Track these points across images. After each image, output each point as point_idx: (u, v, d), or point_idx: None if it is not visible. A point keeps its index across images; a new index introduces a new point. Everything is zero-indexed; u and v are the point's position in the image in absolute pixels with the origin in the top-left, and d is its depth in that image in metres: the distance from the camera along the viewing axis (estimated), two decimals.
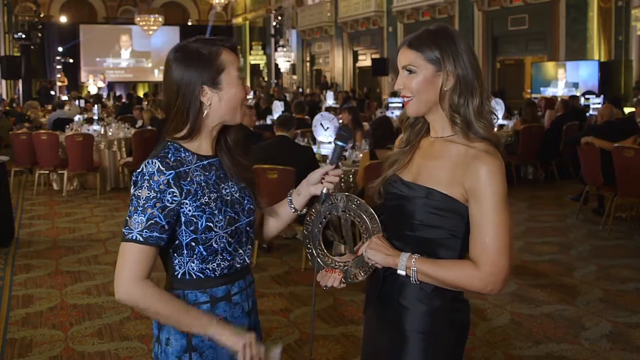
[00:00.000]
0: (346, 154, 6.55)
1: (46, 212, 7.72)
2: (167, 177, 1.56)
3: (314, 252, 1.76)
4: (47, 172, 8.97)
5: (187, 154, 1.64)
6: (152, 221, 1.54)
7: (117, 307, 4.46)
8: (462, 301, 1.69)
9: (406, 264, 1.59)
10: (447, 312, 1.65)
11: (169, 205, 1.55)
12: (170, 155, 1.60)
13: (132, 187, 1.58)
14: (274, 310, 4.34)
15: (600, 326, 4.03)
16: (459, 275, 1.57)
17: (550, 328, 4.02)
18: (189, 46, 1.64)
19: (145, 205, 1.54)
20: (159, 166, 1.56)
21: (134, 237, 1.54)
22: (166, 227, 1.56)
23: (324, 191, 1.71)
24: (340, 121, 7.61)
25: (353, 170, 5.97)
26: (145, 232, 1.53)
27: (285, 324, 4.11)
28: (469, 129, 1.61)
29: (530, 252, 5.71)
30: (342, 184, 5.98)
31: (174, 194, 1.56)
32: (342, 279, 1.71)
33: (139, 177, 1.56)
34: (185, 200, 1.57)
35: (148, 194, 1.54)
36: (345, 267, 1.71)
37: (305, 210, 1.80)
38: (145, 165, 1.57)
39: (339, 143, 1.73)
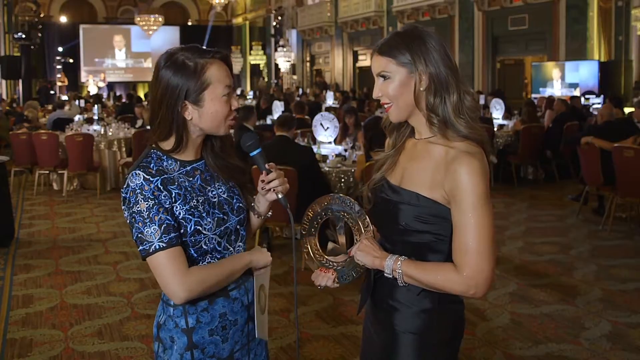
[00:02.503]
0: (346, 153, 6.55)
1: (46, 212, 7.72)
2: (155, 184, 1.58)
3: (309, 250, 1.77)
4: (47, 172, 8.97)
5: (169, 161, 1.65)
6: (165, 225, 1.56)
7: (117, 307, 4.46)
8: (455, 302, 1.68)
9: (392, 266, 1.60)
10: (438, 313, 1.65)
11: (167, 206, 1.58)
12: (152, 164, 1.62)
13: (125, 205, 1.58)
14: (274, 310, 4.34)
15: (600, 326, 4.03)
16: (441, 278, 1.56)
17: (550, 328, 4.02)
18: (178, 56, 1.62)
19: (151, 215, 1.55)
20: (143, 176, 1.58)
21: (157, 247, 1.55)
22: (176, 225, 1.58)
23: (279, 196, 1.72)
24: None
25: (353, 170, 5.97)
26: (164, 236, 1.55)
27: (285, 324, 4.11)
28: (448, 128, 1.60)
29: (530, 252, 5.71)
30: (342, 184, 5.98)
31: (166, 196, 1.58)
32: (336, 279, 1.73)
33: (129, 194, 1.57)
34: (175, 204, 1.59)
35: (147, 204, 1.56)
36: (339, 268, 1.74)
37: (270, 214, 1.84)
38: (130, 179, 1.58)
39: (252, 154, 1.72)
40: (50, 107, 16.08)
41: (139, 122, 10.46)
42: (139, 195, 1.56)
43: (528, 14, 15.32)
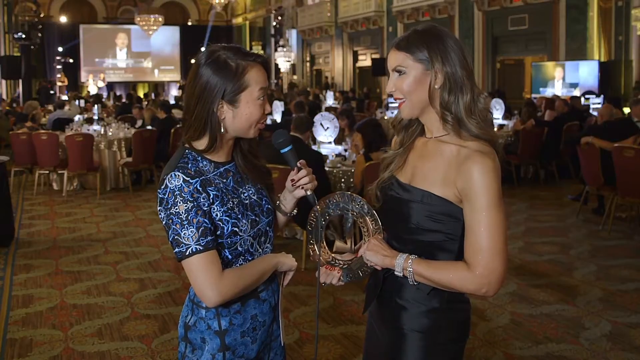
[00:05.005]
0: (346, 153, 6.55)
1: (46, 212, 7.71)
2: (195, 185, 1.57)
3: (315, 247, 1.77)
4: (47, 172, 8.97)
5: (204, 162, 1.65)
6: (202, 228, 1.55)
7: (117, 307, 4.46)
8: (462, 301, 1.68)
9: (403, 265, 1.60)
10: (446, 312, 1.65)
11: (205, 208, 1.57)
12: (189, 165, 1.61)
13: (162, 205, 1.57)
14: None
15: (600, 326, 4.03)
16: (453, 277, 1.56)
17: (550, 328, 4.02)
18: (220, 55, 1.62)
19: (189, 217, 1.54)
20: (183, 178, 1.56)
21: (194, 250, 1.54)
22: (212, 228, 1.58)
23: (308, 193, 1.72)
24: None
25: (353, 170, 5.97)
26: (202, 239, 1.54)
27: (285, 324, 4.10)
28: (461, 127, 1.60)
29: (530, 252, 5.71)
30: (342, 184, 5.98)
31: (205, 198, 1.58)
32: (341, 277, 1.72)
33: (167, 195, 1.56)
34: (213, 206, 1.59)
35: (186, 206, 1.54)
36: (345, 266, 1.73)
37: (295, 212, 1.83)
38: (169, 180, 1.57)
39: (283, 151, 1.73)
40: (50, 107, 16.08)
41: (139, 122, 10.45)
42: (178, 196, 1.54)
43: (528, 14, 15.33)
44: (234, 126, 1.65)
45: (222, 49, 1.64)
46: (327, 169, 5.99)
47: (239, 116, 1.63)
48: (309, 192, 1.72)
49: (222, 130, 1.64)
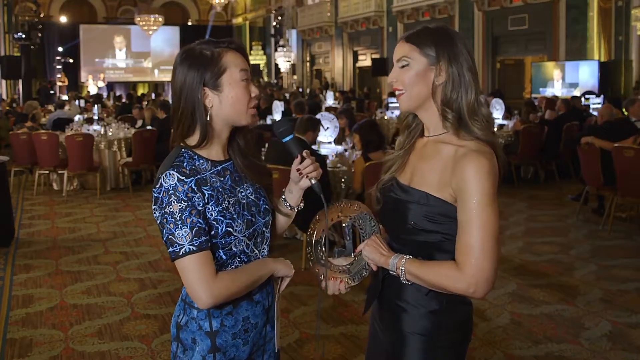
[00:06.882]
0: (346, 153, 6.54)
1: (46, 212, 7.71)
2: (190, 185, 1.55)
3: (317, 256, 1.76)
4: (47, 172, 8.97)
5: (201, 161, 1.63)
6: (196, 228, 1.54)
7: (117, 307, 4.46)
8: (463, 303, 1.67)
9: (396, 264, 1.60)
10: (446, 314, 1.64)
11: (199, 208, 1.56)
12: (185, 164, 1.60)
13: (157, 205, 1.56)
14: None
15: (600, 326, 4.03)
16: (442, 276, 1.55)
17: (550, 328, 4.02)
18: (194, 48, 1.64)
19: (183, 217, 1.53)
20: (177, 177, 1.55)
21: (187, 250, 1.53)
22: (207, 228, 1.57)
23: (313, 182, 1.71)
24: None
25: (353, 170, 5.96)
26: (195, 240, 1.53)
27: (285, 324, 4.11)
28: (461, 126, 1.60)
29: (530, 252, 5.71)
30: (342, 185, 5.98)
31: (200, 198, 1.56)
32: (347, 282, 1.72)
33: (162, 194, 1.55)
34: (208, 205, 1.58)
35: (180, 205, 1.53)
36: (348, 268, 1.73)
37: (302, 205, 1.81)
38: (164, 179, 1.55)
39: (285, 140, 1.72)
40: (51, 107, 16.08)
41: (139, 123, 10.46)
42: (172, 196, 1.53)
43: (528, 14, 15.33)
44: (222, 112, 1.64)
45: (196, 44, 1.66)
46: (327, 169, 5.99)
47: (225, 100, 1.63)
48: (313, 181, 1.71)
49: (212, 121, 1.63)
